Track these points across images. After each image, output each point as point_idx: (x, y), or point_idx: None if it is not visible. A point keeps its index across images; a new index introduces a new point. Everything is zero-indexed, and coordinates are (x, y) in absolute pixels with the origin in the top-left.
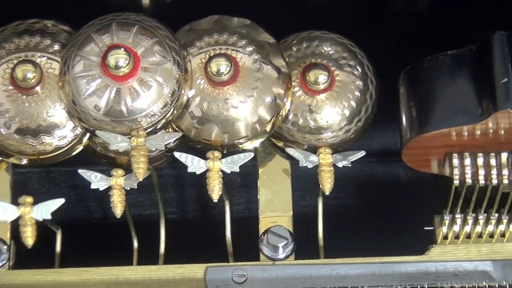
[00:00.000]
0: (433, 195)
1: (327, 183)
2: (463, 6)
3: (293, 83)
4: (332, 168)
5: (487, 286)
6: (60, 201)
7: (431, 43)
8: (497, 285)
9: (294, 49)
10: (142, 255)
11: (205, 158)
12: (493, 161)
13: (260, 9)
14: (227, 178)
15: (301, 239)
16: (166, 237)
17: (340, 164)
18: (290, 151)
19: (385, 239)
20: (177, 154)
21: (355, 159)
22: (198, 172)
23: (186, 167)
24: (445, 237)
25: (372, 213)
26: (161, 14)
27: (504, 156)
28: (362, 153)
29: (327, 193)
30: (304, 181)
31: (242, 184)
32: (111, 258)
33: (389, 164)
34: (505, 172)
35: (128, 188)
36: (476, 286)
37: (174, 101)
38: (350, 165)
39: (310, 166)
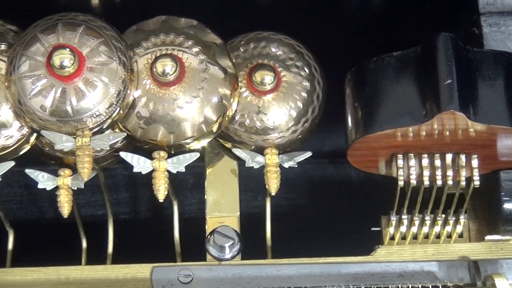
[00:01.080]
0: (386, 196)
1: (273, 184)
2: (412, 7)
3: (240, 84)
4: (278, 169)
5: (430, 286)
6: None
7: (380, 44)
8: (440, 286)
9: (242, 49)
10: (94, 255)
11: (152, 159)
12: (437, 162)
13: (209, 10)
14: (179, 178)
15: (252, 240)
16: (117, 237)
17: (286, 165)
18: (237, 151)
19: (335, 240)
20: (123, 154)
21: (301, 159)
22: (144, 172)
23: None
24: (392, 238)
25: (324, 214)
26: (111, 14)
27: (448, 157)
28: (308, 154)
29: (273, 194)
30: (256, 182)
31: (194, 185)
32: (63, 258)
33: (341, 165)
34: (450, 173)
35: (75, 188)
36: (420, 286)
37: (120, 101)
38: (296, 166)
39: (256, 166)
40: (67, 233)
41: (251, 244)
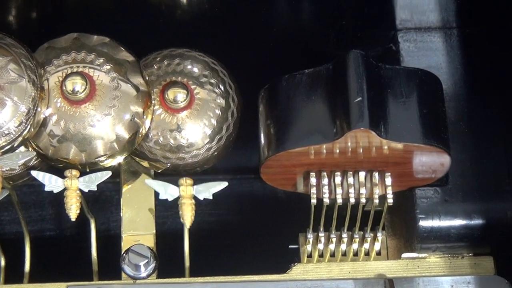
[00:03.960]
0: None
1: (187, 217)
2: (330, 23)
3: (153, 101)
4: (193, 200)
5: None
6: (108, 174)
7: (297, 61)
8: None
9: (155, 67)
10: (16, 273)
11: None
12: (351, 180)
13: (126, 26)
14: (105, 195)
15: (175, 258)
16: (41, 254)
17: (201, 196)
18: (150, 183)
19: (259, 257)
20: (34, 173)
21: (217, 191)
22: (55, 191)
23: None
24: (310, 256)
25: (250, 230)
26: (27, 30)
27: (362, 175)
28: (224, 184)
29: (187, 227)
30: None
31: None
32: None
33: None
34: (363, 191)
35: None
36: None
37: (30, 119)
38: (211, 197)
39: (170, 199)
40: None
41: (173, 262)
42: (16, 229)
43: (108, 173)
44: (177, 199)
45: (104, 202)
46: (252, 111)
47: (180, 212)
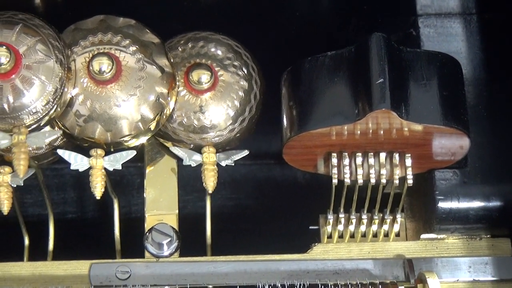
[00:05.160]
0: (330, 197)
1: (210, 182)
2: (351, 8)
3: (177, 83)
4: (215, 167)
5: (368, 283)
6: (133, 153)
7: (319, 44)
8: (378, 282)
9: (180, 49)
10: (38, 253)
11: (90, 157)
12: (371, 161)
13: (150, 10)
14: (126, 178)
15: (196, 239)
16: (63, 236)
17: (223, 163)
18: (175, 149)
19: (279, 238)
20: (60, 152)
21: (238, 158)
22: (81, 170)
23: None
24: (330, 237)
25: (269, 214)
26: (52, 14)
27: (382, 156)
28: (245, 152)
29: (210, 191)
30: (202, 183)
31: (141, 185)
32: (8, 257)
33: (287, 166)
34: (383, 171)
35: (15, 185)
36: (358, 283)
37: (57, 99)
38: (233, 164)
39: (194, 164)
40: (12, 231)
41: (195, 243)
42: (39, 212)
43: (133, 152)
44: (200, 165)
45: (125, 186)
46: (273, 97)
47: (202, 178)
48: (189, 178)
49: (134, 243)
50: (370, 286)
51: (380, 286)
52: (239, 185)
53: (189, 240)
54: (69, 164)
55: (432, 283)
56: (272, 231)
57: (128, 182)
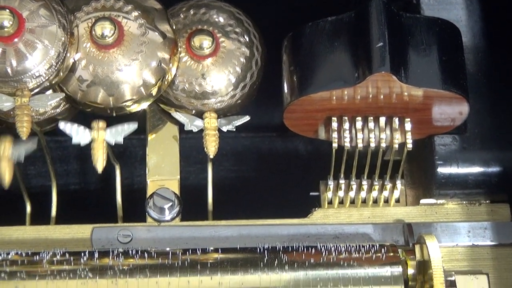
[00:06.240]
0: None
1: (211, 147)
2: None
3: (179, 49)
4: (216, 132)
5: (368, 245)
6: (134, 125)
7: (319, 11)
8: (378, 244)
9: (182, 16)
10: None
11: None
12: (371, 125)
13: None
14: (129, 150)
15: (198, 209)
16: (65, 205)
17: (224, 129)
18: (176, 115)
19: (280, 208)
20: (61, 125)
21: (239, 123)
22: (82, 143)
23: None
24: (330, 203)
25: (271, 185)
26: None
27: (382, 120)
28: (246, 118)
29: (211, 156)
30: (205, 154)
31: (144, 157)
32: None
33: (289, 139)
34: (383, 136)
35: (16, 160)
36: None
37: (59, 63)
38: (234, 129)
39: (195, 130)
40: (15, 202)
41: (196, 213)
42: (42, 183)
43: (135, 125)
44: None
45: (128, 158)
46: (274, 71)
47: (204, 143)
48: (191, 150)
49: (136, 211)
50: (369, 248)
51: (379, 248)
52: (241, 157)
53: (191, 209)
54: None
55: (431, 245)
56: (273, 201)
57: (131, 154)
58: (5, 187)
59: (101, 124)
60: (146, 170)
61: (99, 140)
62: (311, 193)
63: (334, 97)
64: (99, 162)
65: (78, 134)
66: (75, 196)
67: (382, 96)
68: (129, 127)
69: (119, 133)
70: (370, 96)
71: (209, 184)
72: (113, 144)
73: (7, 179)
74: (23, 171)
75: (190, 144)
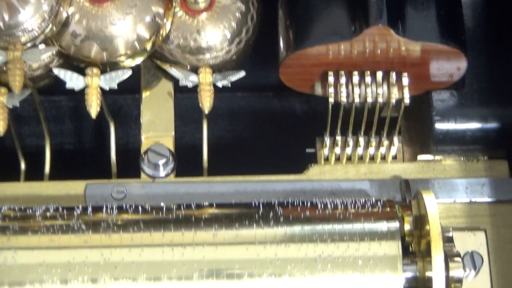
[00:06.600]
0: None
1: (206, 102)
2: None
3: (174, 4)
4: (211, 87)
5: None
6: (128, 72)
7: None
8: (374, 199)
9: None
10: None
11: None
12: (368, 80)
13: None
14: (124, 110)
15: (193, 168)
16: (59, 165)
17: (220, 84)
18: (171, 70)
19: (275, 167)
20: (55, 71)
21: (235, 79)
22: (76, 89)
23: (83, 99)
24: (327, 159)
25: (267, 145)
26: None
27: (379, 75)
28: (241, 73)
29: (206, 112)
30: (200, 113)
31: (139, 116)
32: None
33: (285, 98)
34: (380, 91)
35: (11, 107)
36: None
37: (52, 17)
38: (229, 85)
39: (190, 85)
40: (9, 160)
41: (191, 171)
42: (36, 143)
43: (129, 71)
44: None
45: (123, 117)
46: (269, 29)
47: (199, 98)
48: (186, 109)
49: (130, 170)
50: (366, 203)
51: (376, 202)
52: (237, 116)
53: (186, 168)
54: (67, 92)
55: (429, 200)
56: (269, 160)
57: (126, 114)
58: (0, 133)
59: (95, 70)
60: (140, 130)
61: (93, 86)
62: (307, 150)
63: (331, 52)
64: (93, 107)
65: (72, 80)
66: (70, 155)
67: (379, 51)
68: (123, 73)
69: (113, 79)
70: (367, 50)
71: (204, 140)
72: (107, 89)
73: (2, 125)
74: (17, 130)
75: (185, 103)
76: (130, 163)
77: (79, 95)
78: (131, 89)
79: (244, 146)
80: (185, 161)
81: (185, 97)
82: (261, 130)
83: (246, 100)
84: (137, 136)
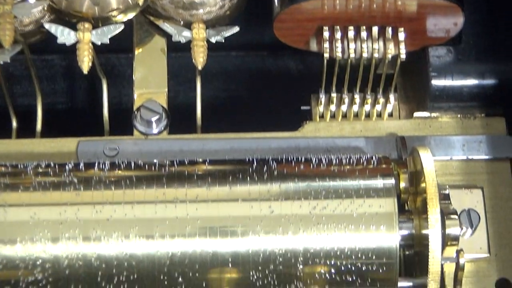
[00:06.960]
0: None
1: (199, 57)
2: None
3: None
4: (205, 43)
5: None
6: (120, 26)
7: None
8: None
9: None
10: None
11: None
12: (364, 35)
13: None
14: (117, 69)
15: (187, 126)
16: (52, 124)
17: (213, 39)
18: (164, 26)
19: (270, 126)
20: (46, 25)
21: (228, 34)
22: (68, 44)
23: (76, 58)
24: (322, 116)
25: (261, 104)
26: None
27: (375, 30)
28: (235, 29)
29: (199, 68)
30: (194, 72)
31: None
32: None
33: (280, 58)
34: (376, 46)
35: (1, 63)
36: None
37: None
38: (223, 41)
39: (183, 40)
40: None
41: (185, 129)
42: (28, 102)
43: (121, 26)
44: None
45: (116, 77)
46: None
47: (192, 54)
48: (180, 68)
49: (123, 128)
50: (361, 159)
51: (371, 159)
52: (232, 76)
53: (180, 126)
54: (59, 51)
55: (425, 157)
56: (264, 119)
57: (119, 73)
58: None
59: (87, 25)
60: (133, 87)
61: (84, 40)
62: (302, 107)
63: (326, 6)
64: (85, 63)
65: (63, 35)
66: (62, 114)
67: (375, 5)
68: (115, 28)
69: (105, 34)
70: (363, 4)
71: (197, 97)
72: (99, 44)
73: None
74: (9, 90)
75: (179, 62)
76: (123, 122)
77: (72, 54)
78: (124, 48)
79: (238, 105)
80: (179, 120)
81: (179, 56)
82: (256, 89)
83: (240, 59)
84: (130, 96)
